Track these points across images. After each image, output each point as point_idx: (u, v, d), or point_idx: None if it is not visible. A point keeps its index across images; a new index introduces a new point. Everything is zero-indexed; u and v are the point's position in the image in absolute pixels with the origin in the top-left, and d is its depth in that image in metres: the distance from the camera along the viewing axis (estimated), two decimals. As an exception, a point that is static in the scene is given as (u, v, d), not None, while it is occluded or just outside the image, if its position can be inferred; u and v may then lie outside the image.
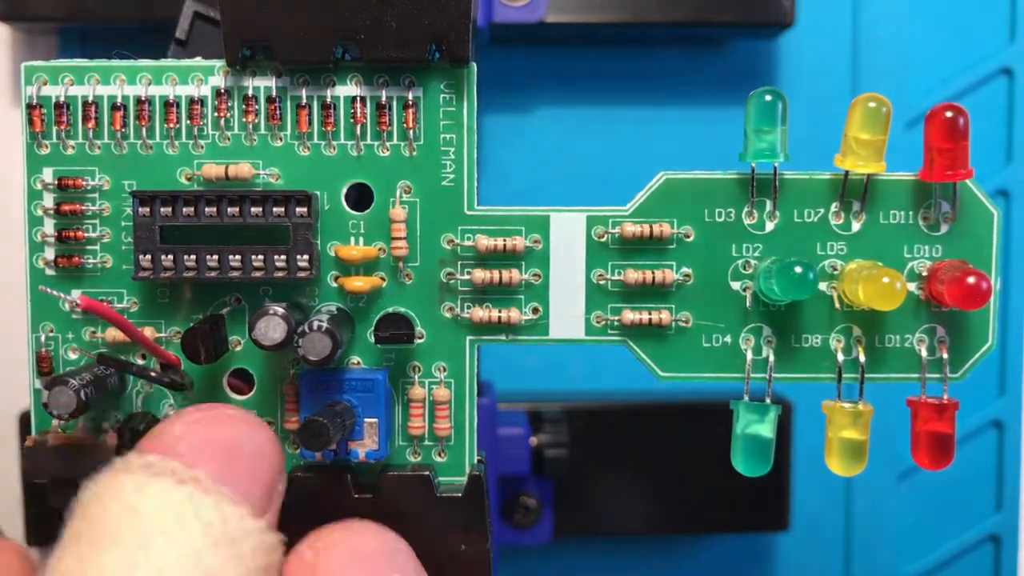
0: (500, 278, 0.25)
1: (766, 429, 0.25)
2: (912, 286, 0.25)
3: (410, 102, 0.25)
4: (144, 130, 0.25)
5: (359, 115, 0.25)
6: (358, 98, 0.25)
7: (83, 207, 0.25)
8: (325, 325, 0.23)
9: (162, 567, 0.18)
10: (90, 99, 0.25)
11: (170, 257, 0.24)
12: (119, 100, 0.25)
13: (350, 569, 0.22)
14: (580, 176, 0.41)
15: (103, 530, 0.19)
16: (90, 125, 0.25)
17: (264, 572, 0.20)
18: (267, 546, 0.20)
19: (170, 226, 0.24)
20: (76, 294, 0.25)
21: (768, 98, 0.24)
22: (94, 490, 0.20)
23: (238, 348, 0.26)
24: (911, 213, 0.25)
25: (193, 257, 0.24)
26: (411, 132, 0.25)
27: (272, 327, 0.23)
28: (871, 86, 0.41)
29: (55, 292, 0.24)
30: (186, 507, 0.19)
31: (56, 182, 0.25)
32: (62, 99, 0.25)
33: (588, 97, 0.41)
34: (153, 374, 0.24)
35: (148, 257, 0.24)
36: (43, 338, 0.25)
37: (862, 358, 0.25)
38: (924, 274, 0.25)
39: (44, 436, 0.25)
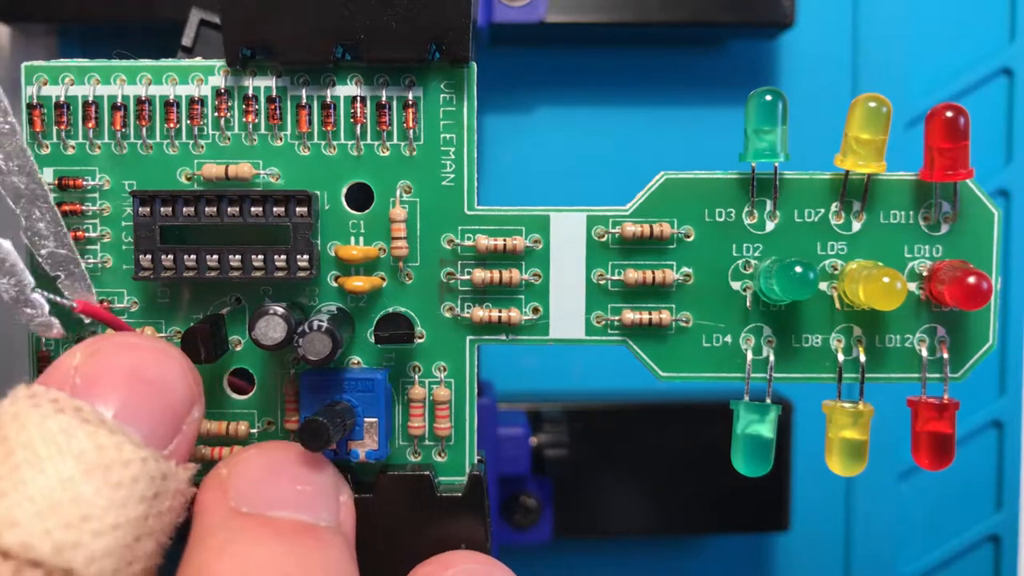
0: (500, 278, 0.25)
1: (766, 429, 0.25)
2: (912, 286, 0.25)
3: (410, 102, 0.25)
4: (144, 130, 0.25)
5: (359, 115, 0.25)
6: (358, 98, 0.25)
7: (83, 207, 0.25)
8: (325, 325, 0.23)
9: (32, 496, 0.18)
10: (90, 99, 0.25)
11: (170, 257, 0.24)
12: (119, 100, 0.25)
13: (259, 481, 0.22)
14: (580, 176, 0.41)
15: (4, 468, 0.19)
16: (90, 125, 0.25)
17: (153, 500, 0.20)
18: (154, 474, 0.20)
19: (170, 226, 0.24)
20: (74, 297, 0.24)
21: (768, 98, 0.24)
22: None
23: (238, 348, 0.25)
24: (911, 213, 0.25)
25: (193, 257, 0.24)
26: (411, 132, 0.25)
27: (272, 327, 0.23)
28: (871, 86, 0.41)
29: (54, 296, 0.24)
30: (59, 436, 0.19)
31: (56, 182, 0.25)
32: (62, 99, 0.25)
33: (588, 97, 0.41)
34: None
35: (148, 257, 0.24)
36: (43, 338, 0.25)
37: (862, 358, 0.25)
38: (924, 274, 0.25)
39: None
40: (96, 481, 0.19)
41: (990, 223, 0.25)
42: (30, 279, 0.23)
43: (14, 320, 0.23)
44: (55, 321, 0.23)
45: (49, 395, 0.20)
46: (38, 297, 0.23)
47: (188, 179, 0.25)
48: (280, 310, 0.23)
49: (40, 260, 0.24)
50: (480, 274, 0.25)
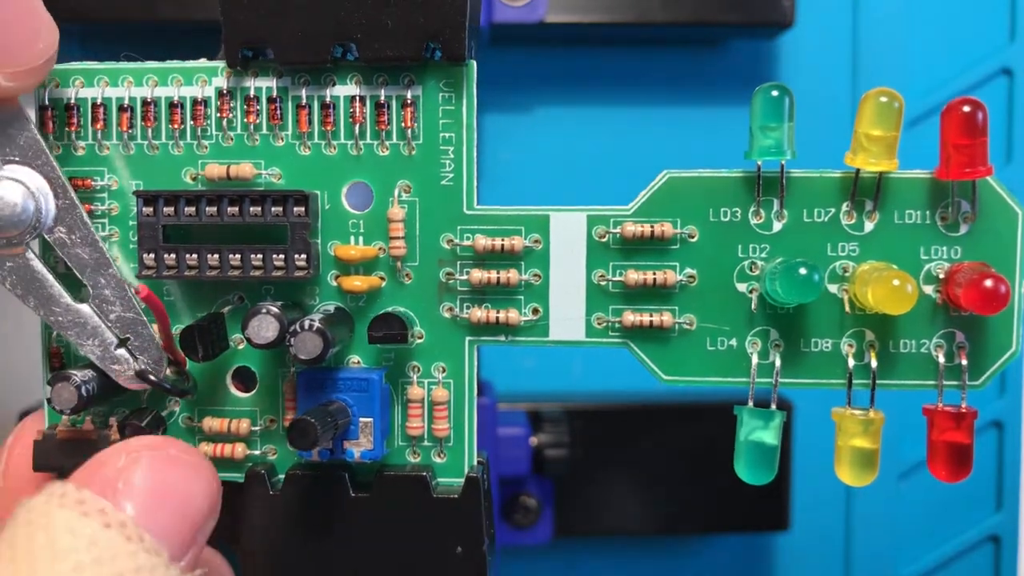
0: (499, 278, 0.24)
1: (770, 436, 0.23)
2: (929, 289, 0.24)
3: (409, 101, 0.24)
4: (150, 131, 0.25)
5: (358, 114, 0.24)
6: (357, 97, 0.24)
7: (92, 206, 0.25)
8: (317, 324, 0.23)
9: None
10: (99, 101, 0.25)
11: (173, 256, 0.24)
12: (127, 102, 0.25)
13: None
14: (580, 176, 0.41)
15: (25, 558, 0.19)
16: (99, 126, 0.25)
17: None
18: None
19: (173, 225, 0.24)
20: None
21: (775, 93, 0.23)
22: (27, 516, 0.20)
23: (241, 346, 0.25)
24: (927, 212, 0.24)
25: (195, 256, 0.24)
26: (410, 131, 0.24)
27: (264, 326, 0.23)
28: (871, 86, 0.40)
29: (122, 278, 0.24)
30: (105, 551, 0.20)
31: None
32: (72, 101, 0.25)
33: (588, 97, 0.41)
34: (152, 378, 0.24)
35: (152, 256, 0.24)
36: (54, 333, 0.25)
37: (874, 364, 0.24)
38: (942, 276, 0.24)
39: (53, 429, 0.25)
40: None
41: (1013, 223, 0.23)
42: (113, 338, 0.24)
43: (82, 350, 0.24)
44: None
45: (97, 504, 0.20)
46: (123, 353, 0.24)
47: (192, 179, 0.25)
48: (273, 309, 0.23)
49: (109, 325, 0.24)
50: (478, 274, 0.24)
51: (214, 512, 0.23)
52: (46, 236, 0.23)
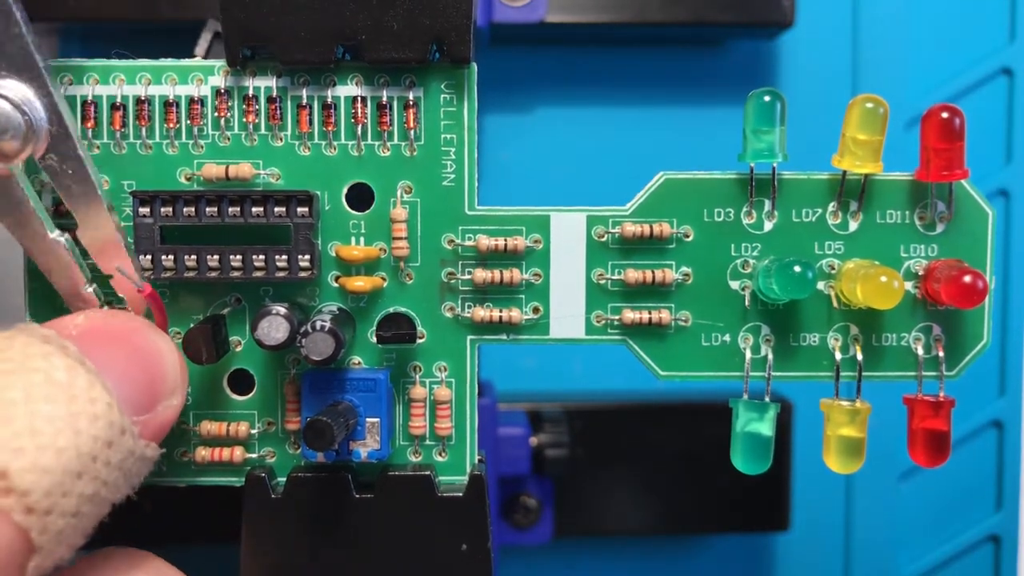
0: (501, 278, 0.25)
1: (765, 427, 0.25)
2: (908, 285, 0.26)
3: (411, 102, 0.25)
4: (144, 130, 0.25)
5: (360, 115, 0.25)
6: (359, 98, 0.25)
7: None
8: (328, 325, 0.23)
9: None
10: (89, 98, 0.25)
11: (170, 257, 0.24)
12: (119, 100, 0.25)
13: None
14: (580, 176, 0.41)
15: None
16: (89, 125, 0.25)
17: (106, 448, 0.20)
18: (115, 421, 0.20)
19: (170, 226, 0.24)
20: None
21: (767, 99, 0.25)
22: None
23: (238, 348, 0.26)
24: (907, 213, 0.26)
25: (194, 257, 0.24)
26: (412, 132, 0.25)
27: (275, 327, 0.23)
28: (871, 86, 0.41)
29: (126, 271, 0.24)
30: (38, 359, 0.19)
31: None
32: (61, 98, 0.25)
33: (588, 97, 0.41)
34: None
35: (148, 257, 0.24)
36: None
37: (859, 356, 0.25)
38: (920, 273, 0.26)
39: None
40: (58, 403, 0.19)
41: (984, 223, 0.26)
42: (82, 276, 0.24)
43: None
44: None
45: (42, 331, 0.20)
46: (91, 294, 0.24)
47: (188, 179, 0.25)
48: (283, 310, 0.24)
49: (85, 264, 0.24)
50: (481, 274, 0.25)
51: (178, 389, 0.22)
52: (37, 161, 0.23)
